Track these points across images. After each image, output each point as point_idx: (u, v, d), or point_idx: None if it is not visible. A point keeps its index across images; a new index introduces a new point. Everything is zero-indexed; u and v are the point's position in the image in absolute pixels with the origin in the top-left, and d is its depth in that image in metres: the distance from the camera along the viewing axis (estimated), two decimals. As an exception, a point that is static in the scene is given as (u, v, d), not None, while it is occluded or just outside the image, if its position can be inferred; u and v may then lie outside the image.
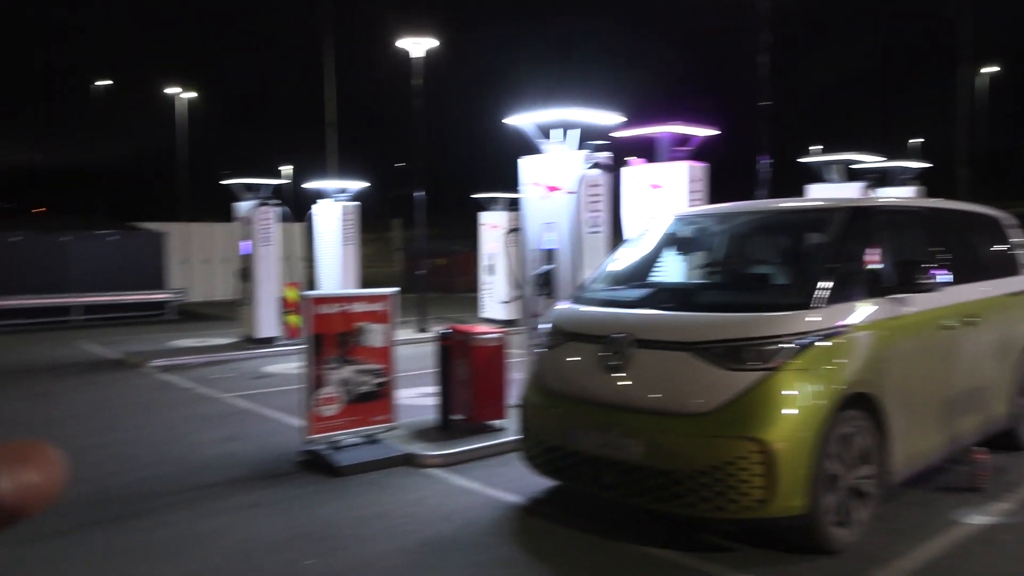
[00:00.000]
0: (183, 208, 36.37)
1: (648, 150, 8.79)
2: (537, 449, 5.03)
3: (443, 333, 6.96)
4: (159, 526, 4.97)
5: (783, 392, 4.13)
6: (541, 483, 5.66)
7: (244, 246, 12.53)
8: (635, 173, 8.29)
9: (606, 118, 7.52)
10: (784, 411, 4.11)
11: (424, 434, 6.79)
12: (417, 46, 14.29)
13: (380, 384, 6.42)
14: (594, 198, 7.33)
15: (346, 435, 6.25)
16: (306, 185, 13.48)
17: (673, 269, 5.74)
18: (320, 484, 5.75)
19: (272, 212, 12.46)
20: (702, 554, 4.41)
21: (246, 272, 12.51)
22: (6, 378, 10.39)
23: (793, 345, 4.20)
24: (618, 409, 4.56)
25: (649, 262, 5.80)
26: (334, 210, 13.17)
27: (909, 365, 4.88)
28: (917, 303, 4.96)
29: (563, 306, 5.40)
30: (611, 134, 7.91)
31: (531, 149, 7.89)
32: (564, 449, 4.81)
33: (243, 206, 12.51)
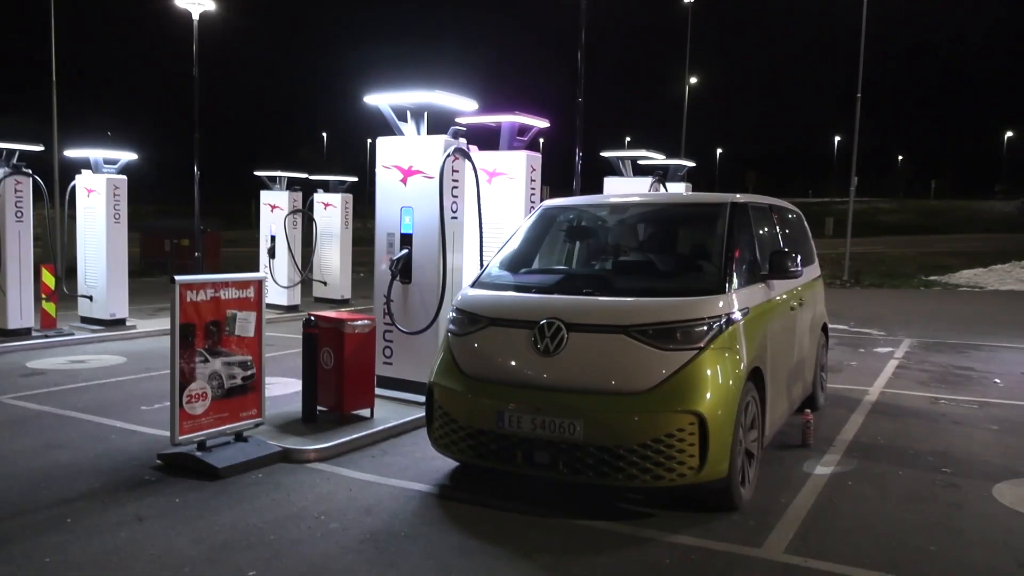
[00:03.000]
0: None
1: (478, 138, 8.96)
2: (458, 435, 5.03)
3: (308, 320, 6.59)
4: (41, 551, 4.21)
5: (712, 368, 4.60)
6: (437, 469, 5.68)
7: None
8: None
9: (461, 103, 7.57)
10: (714, 385, 4.57)
11: (291, 427, 6.40)
12: (197, 6, 13.02)
13: (249, 377, 5.94)
14: (455, 184, 7.37)
15: (215, 433, 5.72)
16: (68, 153, 11.72)
17: (567, 256, 6.00)
18: (203, 490, 5.22)
19: (26, 183, 10.72)
20: (631, 521, 4.74)
21: (-9, 253, 10.65)
22: None
23: (718, 326, 4.69)
24: (552, 391, 4.73)
25: (536, 249, 6.01)
26: (99, 183, 11.64)
27: (776, 341, 5.63)
28: (778, 288, 5.75)
29: (473, 292, 5.42)
30: (456, 120, 7.97)
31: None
32: (492, 433, 4.88)
33: (-12, 175, 10.60)
